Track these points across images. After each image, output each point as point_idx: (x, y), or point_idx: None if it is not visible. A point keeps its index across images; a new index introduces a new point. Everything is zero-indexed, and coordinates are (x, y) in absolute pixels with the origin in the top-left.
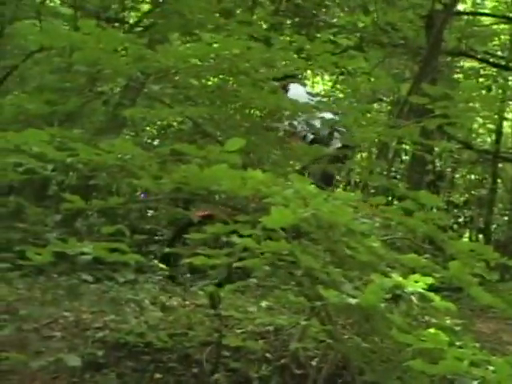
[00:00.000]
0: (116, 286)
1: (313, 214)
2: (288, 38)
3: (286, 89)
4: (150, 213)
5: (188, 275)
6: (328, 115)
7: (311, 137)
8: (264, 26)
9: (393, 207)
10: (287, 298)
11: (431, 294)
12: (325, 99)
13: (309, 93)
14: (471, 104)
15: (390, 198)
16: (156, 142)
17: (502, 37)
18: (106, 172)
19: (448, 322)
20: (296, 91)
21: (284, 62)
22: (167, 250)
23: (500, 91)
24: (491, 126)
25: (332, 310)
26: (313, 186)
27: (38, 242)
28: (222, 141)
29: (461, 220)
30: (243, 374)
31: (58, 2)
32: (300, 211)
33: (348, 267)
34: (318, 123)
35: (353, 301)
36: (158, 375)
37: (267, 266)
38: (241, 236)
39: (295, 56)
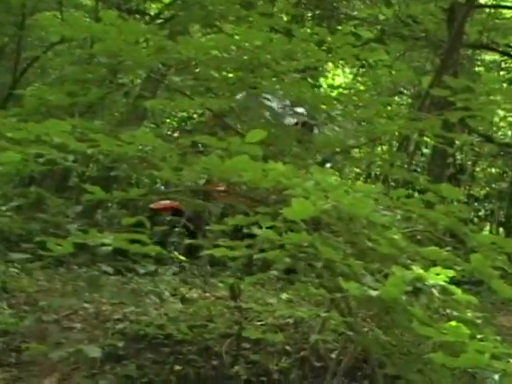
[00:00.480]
0: (136, 278)
1: (333, 206)
2: (309, 31)
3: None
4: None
5: (208, 267)
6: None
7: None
8: (285, 18)
9: (414, 200)
10: (307, 291)
11: (452, 287)
12: (346, 91)
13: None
14: (492, 97)
15: (410, 191)
16: (176, 134)
17: None
18: (126, 163)
19: (469, 315)
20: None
21: (305, 54)
22: (188, 241)
23: None
24: None
25: (352, 302)
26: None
27: (58, 233)
28: (242, 132)
29: (481, 213)
30: (263, 367)
31: None
32: (321, 203)
33: (369, 259)
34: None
35: (374, 293)
36: (177, 367)
37: (288, 258)
38: (261, 228)
39: (316, 48)
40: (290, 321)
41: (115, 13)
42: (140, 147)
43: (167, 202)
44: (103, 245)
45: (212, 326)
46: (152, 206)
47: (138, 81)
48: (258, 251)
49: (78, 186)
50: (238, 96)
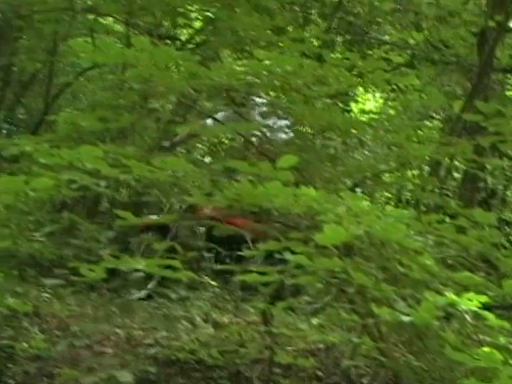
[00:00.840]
0: (167, 303)
1: (365, 232)
2: (340, 55)
3: None
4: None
5: (239, 292)
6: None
7: None
8: (315, 43)
9: (446, 225)
10: (339, 316)
11: (485, 312)
12: (376, 116)
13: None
14: None
15: (442, 216)
16: (207, 159)
17: None
18: (158, 189)
19: (502, 340)
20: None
21: (336, 79)
22: (219, 266)
23: None
24: None
25: (384, 327)
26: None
27: (91, 259)
28: (274, 158)
29: None
30: None
31: (111, 20)
32: (353, 228)
33: (401, 285)
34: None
35: (406, 319)
36: None
37: (319, 284)
38: (293, 253)
39: (347, 73)
40: (321, 346)
41: (147, 39)
42: (171, 173)
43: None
44: (135, 270)
45: (243, 351)
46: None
47: (169, 106)
48: (290, 276)
49: (109, 212)
50: (221, 114)
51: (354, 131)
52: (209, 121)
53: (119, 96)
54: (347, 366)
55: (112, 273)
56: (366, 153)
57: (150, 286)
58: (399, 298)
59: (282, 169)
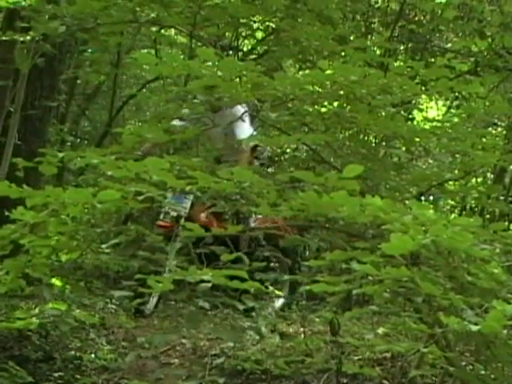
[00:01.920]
0: (233, 313)
1: (432, 241)
2: (402, 64)
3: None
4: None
5: (304, 302)
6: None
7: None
8: (378, 52)
9: None
10: (405, 325)
11: None
12: (440, 124)
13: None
14: None
15: (508, 223)
16: (271, 169)
17: None
18: (224, 200)
19: None
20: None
21: (400, 88)
22: (287, 277)
23: None
24: None
25: (451, 336)
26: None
27: (158, 270)
28: (339, 167)
29: None
30: None
31: (173, 32)
32: (419, 237)
33: (468, 294)
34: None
35: (474, 328)
36: None
37: (387, 293)
38: (360, 262)
39: (411, 82)
40: (388, 355)
41: (211, 50)
42: (237, 183)
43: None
44: (202, 281)
45: (309, 361)
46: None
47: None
48: (357, 286)
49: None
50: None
51: (418, 139)
52: (176, 122)
53: (184, 108)
54: (414, 375)
55: (179, 283)
56: (431, 161)
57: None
58: (467, 306)
59: (348, 178)
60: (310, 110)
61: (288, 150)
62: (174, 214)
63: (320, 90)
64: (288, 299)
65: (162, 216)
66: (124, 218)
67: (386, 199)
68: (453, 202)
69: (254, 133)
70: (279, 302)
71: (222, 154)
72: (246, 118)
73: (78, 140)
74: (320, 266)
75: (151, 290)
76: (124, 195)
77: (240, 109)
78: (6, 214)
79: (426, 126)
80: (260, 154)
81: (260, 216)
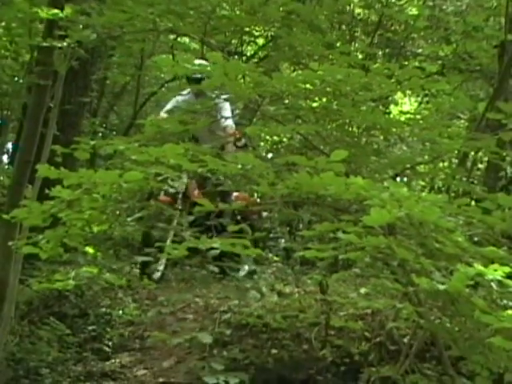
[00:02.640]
0: (238, 276)
1: (406, 214)
2: (381, 66)
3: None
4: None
5: (298, 266)
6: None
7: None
8: (360, 56)
9: (473, 207)
10: (383, 285)
11: (508, 281)
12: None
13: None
14: None
15: (469, 200)
16: (270, 155)
17: None
18: (230, 180)
19: None
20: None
21: (379, 86)
22: (284, 244)
23: None
24: None
25: (422, 294)
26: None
27: (175, 239)
28: (327, 153)
29: None
30: (346, 350)
31: (187, 39)
32: (395, 211)
33: (437, 258)
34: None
35: (441, 287)
36: (274, 351)
37: (367, 258)
38: (345, 232)
39: (388, 80)
40: (369, 311)
41: (220, 54)
42: (241, 166)
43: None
44: (212, 248)
45: (303, 316)
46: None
47: (237, 111)
48: (343, 252)
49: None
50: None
51: (394, 129)
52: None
53: (196, 103)
54: (391, 327)
55: (193, 251)
56: (405, 148)
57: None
58: (435, 269)
59: (335, 162)
60: (303, 104)
61: (284, 139)
62: (173, 190)
63: (311, 87)
64: (251, 269)
65: (162, 193)
66: (146, 196)
67: (367, 179)
68: (423, 183)
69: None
70: (245, 270)
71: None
72: (227, 112)
73: (108, 131)
74: (311, 236)
75: (168, 256)
76: (146, 176)
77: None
78: (47, 191)
79: (401, 118)
80: (238, 140)
81: (236, 194)
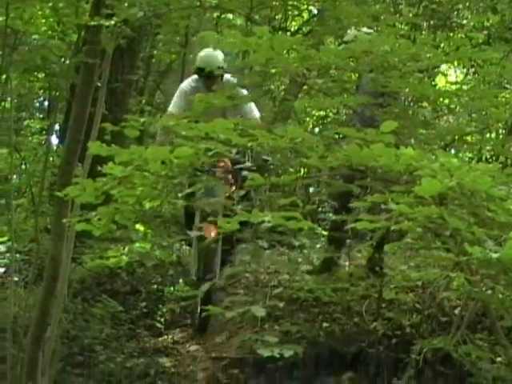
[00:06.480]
0: (287, 250)
1: (457, 183)
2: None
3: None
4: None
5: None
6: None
7: None
8: (406, 28)
9: None
10: (435, 256)
11: None
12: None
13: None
14: None
15: None
16: (316, 130)
17: None
18: (280, 153)
19: None
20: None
21: (426, 57)
22: (334, 217)
23: None
24: None
25: (474, 264)
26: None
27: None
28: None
29: None
30: (397, 322)
31: (232, 16)
32: (446, 181)
33: (489, 227)
34: None
35: (494, 255)
36: (325, 324)
37: (419, 229)
38: (396, 203)
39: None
40: (419, 283)
41: (266, 28)
42: (291, 139)
43: None
44: (263, 222)
45: (353, 289)
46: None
47: (282, 87)
48: (394, 224)
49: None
50: None
51: (442, 100)
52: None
53: (243, 78)
54: (442, 299)
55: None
56: (451, 119)
57: None
58: (488, 238)
59: (384, 133)
60: (352, 77)
61: (330, 114)
62: None
63: (358, 60)
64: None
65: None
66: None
67: (417, 150)
68: (470, 155)
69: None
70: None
71: None
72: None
73: (154, 109)
74: (362, 206)
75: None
76: (196, 151)
77: (252, 106)
78: (97, 170)
79: (449, 89)
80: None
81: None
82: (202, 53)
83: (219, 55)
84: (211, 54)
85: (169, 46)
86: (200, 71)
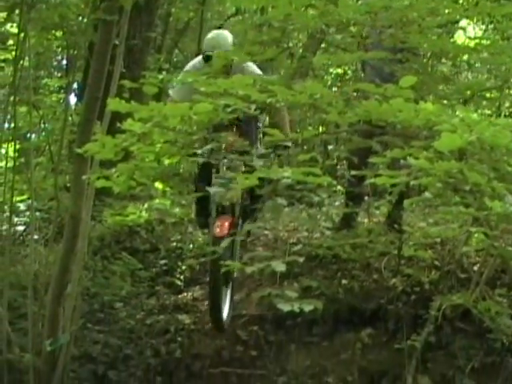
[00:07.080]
0: (306, 208)
1: (477, 138)
2: None
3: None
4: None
5: (367, 197)
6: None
7: None
8: None
9: None
10: (454, 212)
11: None
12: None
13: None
14: None
15: None
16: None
17: None
18: (299, 109)
19: None
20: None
21: (445, 11)
22: (353, 172)
23: None
24: None
25: (494, 220)
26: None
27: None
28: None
29: None
30: (416, 279)
31: None
32: (466, 135)
33: (509, 182)
34: None
35: None
36: (344, 281)
37: (439, 184)
38: (416, 158)
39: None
40: (438, 240)
41: None
42: (310, 95)
43: None
44: (283, 178)
45: (372, 246)
46: None
47: (300, 44)
48: (414, 179)
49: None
50: None
51: (461, 56)
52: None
53: (262, 34)
54: (461, 255)
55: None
56: (470, 76)
57: None
58: (508, 193)
59: (403, 88)
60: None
61: (349, 72)
62: None
63: (376, 15)
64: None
65: None
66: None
67: (437, 105)
68: (489, 111)
69: None
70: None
71: None
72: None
73: (172, 68)
74: (382, 162)
75: (240, 186)
76: (215, 107)
77: (250, 64)
78: (116, 127)
79: (468, 45)
80: None
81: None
82: (210, 35)
83: (228, 37)
84: (218, 37)
85: (187, 3)
86: (206, 58)
